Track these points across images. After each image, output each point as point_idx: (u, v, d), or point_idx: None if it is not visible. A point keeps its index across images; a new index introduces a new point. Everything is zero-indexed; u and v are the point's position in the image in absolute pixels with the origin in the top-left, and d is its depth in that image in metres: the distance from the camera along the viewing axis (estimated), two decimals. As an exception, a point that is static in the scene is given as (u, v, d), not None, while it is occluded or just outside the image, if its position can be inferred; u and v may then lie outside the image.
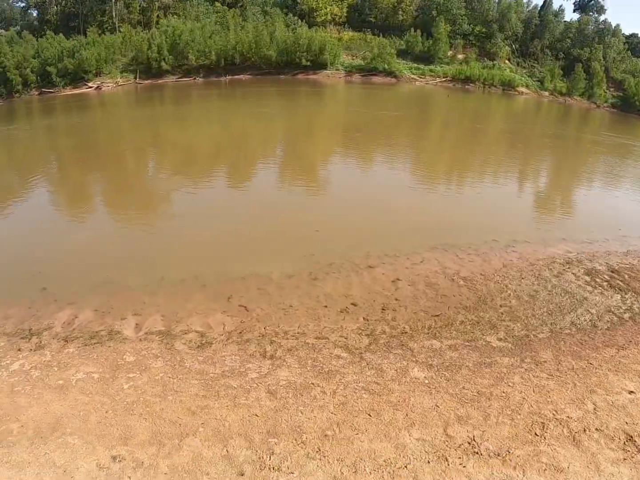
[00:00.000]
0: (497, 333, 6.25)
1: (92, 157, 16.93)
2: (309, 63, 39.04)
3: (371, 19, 46.05)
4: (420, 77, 39.84)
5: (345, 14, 46.47)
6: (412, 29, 42.61)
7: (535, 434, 4.36)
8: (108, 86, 37.76)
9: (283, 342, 6.04)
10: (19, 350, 5.81)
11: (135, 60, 39.38)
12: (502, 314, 6.76)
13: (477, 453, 4.12)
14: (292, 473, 3.86)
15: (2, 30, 50.28)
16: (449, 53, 42.37)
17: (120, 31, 41.87)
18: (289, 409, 4.68)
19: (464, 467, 3.94)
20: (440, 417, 4.60)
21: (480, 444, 4.23)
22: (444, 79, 39.81)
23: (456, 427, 4.45)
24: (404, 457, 4.08)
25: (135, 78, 38.96)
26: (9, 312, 6.79)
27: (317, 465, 3.96)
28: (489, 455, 4.07)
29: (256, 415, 4.58)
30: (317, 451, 4.12)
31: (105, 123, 25.61)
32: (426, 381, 5.19)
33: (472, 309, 6.90)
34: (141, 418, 4.56)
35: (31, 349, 5.84)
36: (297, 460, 4.02)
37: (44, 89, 36.49)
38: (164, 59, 38.27)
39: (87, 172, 15.42)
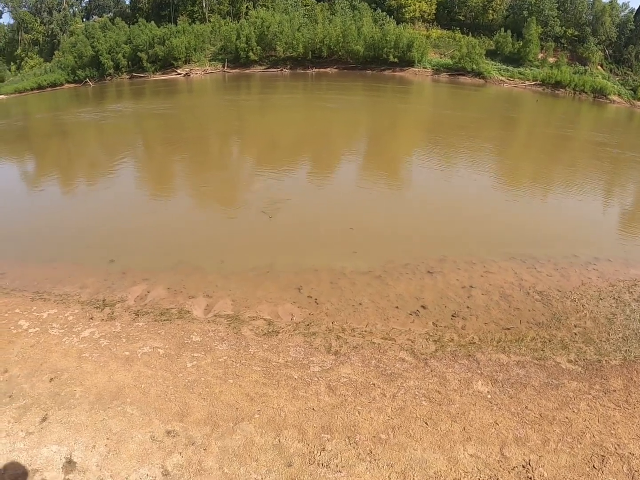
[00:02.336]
0: (568, 354, 5.78)
1: (178, 140, 18.17)
2: (396, 60, 39.04)
3: (460, 17, 45.51)
4: (509, 80, 38.25)
5: (434, 11, 46.30)
6: (502, 29, 41.23)
7: (594, 466, 4.02)
8: (196, 73, 40.20)
9: (349, 339, 5.95)
10: (91, 318, 6.29)
11: (223, 49, 41.59)
12: (575, 334, 6.25)
13: (531, 479, 3.87)
14: (340, 472, 3.77)
15: (96, 17, 55.76)
16: (539, 56, 40.55)
17: (209, 21, 44.51)
18: (346, 407, 4.60)
19: (514, 491, 3.65)
20: (498, 435, 4.34)
21: (535, 469, 3.96)
22: (533, 83, 37.92)
23: (513, 448, 4.19)
24: (455, 471, 3.90)
25: (224, 67, 41.09)
26: (86, 281, 7.40)
27: (367, 468, 3.87)
28: (541, 483, 3.74)
29: (313, 409, 4.53)
30: (368, 453, 4.02)
31: (193, 108, 27.27)
32: (489, 396, 4.91)
33: (545, 325, 6.45)
34: (200, 397, 4.70)
35: (103, 319, 6.30)
36: (347, 459, 3.95)
37: (134, 74, 39.75)
38: (252, 50, 40.05)
39: (172, 153, 16.62)
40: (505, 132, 21.49)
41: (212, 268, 7.97)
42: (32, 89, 41.78)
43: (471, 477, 3.83)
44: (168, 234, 9.52)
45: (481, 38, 41.87)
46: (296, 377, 5.08)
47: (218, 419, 4.37)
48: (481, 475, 3.86)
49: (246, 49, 40.26)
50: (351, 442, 4.13)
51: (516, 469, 3.95)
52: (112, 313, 6.49)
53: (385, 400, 4.76)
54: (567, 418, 4.62)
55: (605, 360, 5.68)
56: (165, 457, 3.91)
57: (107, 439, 4.13)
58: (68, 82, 41.31)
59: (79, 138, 21.17)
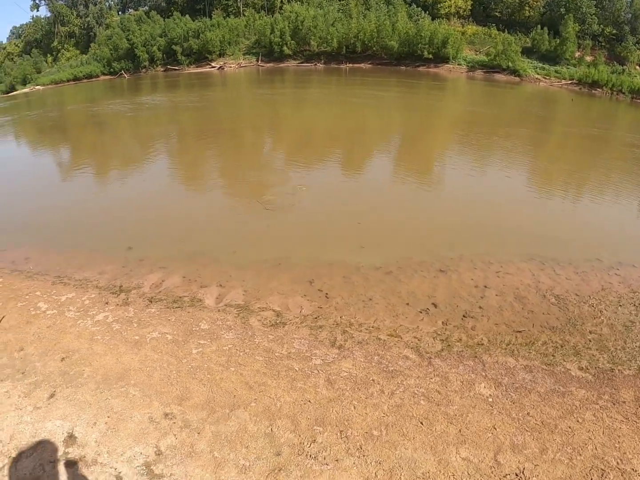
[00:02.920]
0: (580, 361, 5.57)
1: (209, 132, 18.65)
2: (430, 56, 38.75)
3: (496, 13, 44.99)
4: (545, 78, 37.18)
5: (469, 7, 45.77)
6: (539, 27, 40.23)
7: None
8: (230, 67, 40.85)
9: (355, 334, 5.98)
10: (107, 303, 6.56)
11: (257, 43, 42.18)
12: (589, 341, 6.02)
13: None
14: (327, 465, 3.81)
15: (132, 10, 57.28)
16: (576, 54, 39.38)
17: (244, 15, 45.14)
18: (343, 401, 4.63)
19: (502, 499, 3.59)
20: (495, 440, 4.24)
21: (529, 478, 3.85)
22: (569, 82, 36.67)
23: (508, 455, 4.08)
24: (444, 474, 3.84)
25: (257, 60, 41.61)
26: (105, 268, 7.71)
27: (354, 463, 3.88)
28: (532, 495, 3.66)
29: (309, 401, 4.60)
30: (358, 448, 4.03)
31: (226, 101, 27.81)
32: (490, 399, 4.81)
33: (558, 330, 6.24)
34: (200, 383, 4.85)
35: (117, 304, 6.56)
36: (336, 453, 3.97)
37: (169, 66, 40.73)
38: (286, 44, 40.47)
39: (203, 145, 17.09)
40: (538, 131, 20.88)
41: (228, 259, 8.15)
42: (68, 80, 43.54)
43: (459, 481, 3.77)
44: (189, 224, 9.77)
45: (517, 35, 41.09)
46: (297, 368, 5.17)
47: (215, 405, 4.50)
48: (470, 480, 3.80)
49: (280, 43, 40.68)
50: (342, 436, 4.17)
51: (508, 476, 3.87)
52: (127, 299, 6.75)
53: (383, 397, 4.76)
54: (569, 427, 4.47)
55: (619, 370, 5.46)
56: (160, 438, 4.07)
57: (108, 417, 4.32)
58: (104, 73, 42.83)
59: (112, 128, 21.91)
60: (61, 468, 3.79)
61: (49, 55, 55.99)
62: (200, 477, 3.68)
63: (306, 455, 3.92)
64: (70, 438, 4.09)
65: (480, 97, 31.58)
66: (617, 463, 4.05)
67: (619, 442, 4.31)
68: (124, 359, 5.26)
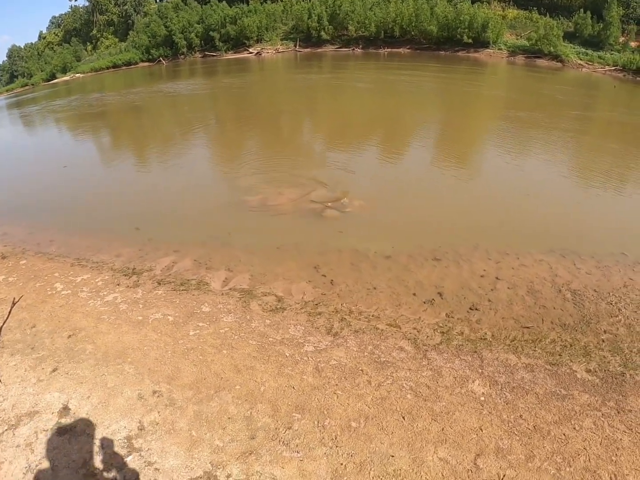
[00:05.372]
0: (588, 363, 5.16)
1: (246, 117, 18.93)
2: (470, 40, 37.44)
3: None
4: (588, 64, 34.96)
5: None
6: (582, 10, 37.84)
7: None
8: (268, 52, 40.94)
9: (353, 322, 5.98)
10: (118, 284, 6.86)
11: (295, 28, 42.00)
12: (602, 341, 5.58)
13: None
14: (298, 452, 3.86)
15: None
16: (621, 39, 36.70)
17: (281, 0, 44.73)
18: (326, 390, 4.64)
19: (473, 507, 3.45)
20: (478, 442, 4.02)
21: None
22: (613, 68, 34.18)
23: (490, 459, 3.85)
24: (416, 473, 3.71)
25: (295, 46, 41.47)
26: (122, 251, 8.05)
27: (325, 453, 3.89)
28: (509, 504, 3.46)
29: (293, 387, 4.67)
30: (332, 439, 4.03)
31: (264, 86, 28.01)
32: (482, 398, 4.58)
33: (570, 328, 5.85)
34: (192, 364, 5.03)
35: (128, 286, 6.85)
36: (309, 442, 4.00)
37: (207, 53, 41.22)
38: (323, 29, 40.15)
39: (240, 130, 17.42)
40: (578, 120, 19.81)
41: (240, 244, 8.27)
42: (107, 68, 44.97)
43: (430, 482, 3.66)
44: (207, 209, 9.99)
45: (559, 19, 39.00)
46: (287, 354, 5.25)
47: (201, 386, 4.66)
48: (443, 483, 3.67)
49: (318, 28, 40.38)
50: (319, 425, 4.19)
51: None
52: (138, 281, 7.03)
53: (369, 388, 4.71)
54: (564, 435, 4.15)
55: (630, 374, 5.02)
56: (144, 414, 4.27)
57: (101, 392, 4.57)
58: (142, 60, 43.93)
59: (150, 114, 22.61)
60: (52, 437, 4.05)
61: (88, 44, 57.78)
62: (175, 454, 3.84)
63: (279, 441, 3.99)
64: (65, 409, 4.35)
65: (521, 84, 30.27)
66: (610, 478, 3.73)
67: (616, 455, 3.96)
68: (124, 338, 5.51)
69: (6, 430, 4.13)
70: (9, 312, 6.05)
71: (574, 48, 36.85)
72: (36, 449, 3.92)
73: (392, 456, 3.88)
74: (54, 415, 4.28)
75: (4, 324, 5.81)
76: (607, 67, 34.56)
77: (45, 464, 3.79)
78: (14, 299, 6.41)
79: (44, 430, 4.12)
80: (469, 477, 3.71)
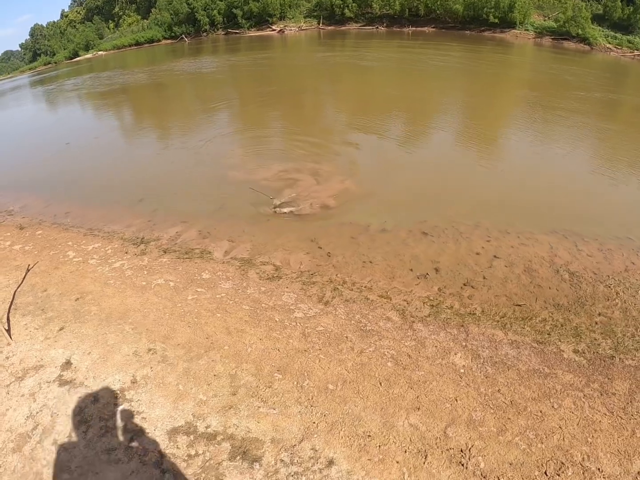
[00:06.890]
0: (577, 344, 5.07)
1: (266, 94, 18.98)
2: (496, 20, 35.97)
3: None
4: (617, 48, 32.90)
5: None
6: None
7: (545, 472, 3.54)
8: (291, 30, 40.40)
9: (345, 292, 6.12)
10: (126, 253, 7.16)
11: (319, 6, 41.23)
12: (595, 323, 5.46)
13: (462, 465, 3.60)
14: (274, 409, 4.07)
15: None
16: None
17: (305, -24, 43.85)
18: (309, 354, 4.82)
19: (438, 472, 3.54)
20: (452, 412, 4.09)
21: (473, 456, 3.66)
22: None
23: (460, 429, 3.91)
24: (384, 436, 3.85)
25: (319, 23, 40.80)
26: (134, 222, 8.34)
27: (299, 411, 4.08)
28: (473, 473, 3.53)
29: (278, 350, 4.87)
30: (308, 399, 4.22)
31: (287, 64, 27.73)
32: (462, 370, 4.62)
33: (563, 308, 5.74)
34: (187, 325, 5.29)
35: (135, 254, 7.14)
36: (286, 400, 4.20)
37: (229, 30, 40.90)
38: (347, 6, 39.34)
39: (260, 106, 17.48)
40: (601, 104, 19.00)
41: (246, 215, 8.43)
42: (130, 45, 45.06)
43: (398, 446, 3.77)
44: (217, 181, 10.13)
45: (588, 1, 36.90)
46: (277, 319, 5.45)
47: (193, 345, 4.92)
48: (410, 447, 3.76)
49: (341, 5, 39.56)
50: (298, 385, 4.39)
51: (451, 450, 3.74)
52: (145, 249, 7.31)
53: (351, 354, 4.85)
54: (540, 412, 4.11)
55: (620, 358, 4.88)
56: (138, 369, 4.55)
57: (101, 348, 4.87)
58: (165, 38, 43.89)
59: (171, 90, 22.73)
60: (54, 387, 4.38)
61: (110, 22, 57.78)
62: (161, 405, 4.11)
63: (258, 398, 4.22)
64: (67, 364, 4.67)
65: (547, 66, 29.13)
66: (583, 459, 3.67)
67: (593, 436, 3.88)
68: (127, 301, 5.80)
69: (13, 381, 4.48)
70: (23, 278, 6.43)
71: (602, 31, 35.03)
72: (38, 398, 4.26)
73: (363, 418, 4.05)
74: (56, 368, 4.61)
75: (18, 288, 6.19)
76: (636, 51, 32.85)
77: (45, 412, 4.11)
78: (29, 265, 6.79)
79: (46, 382, 4.45)
80: (436, 445, 3.80)
